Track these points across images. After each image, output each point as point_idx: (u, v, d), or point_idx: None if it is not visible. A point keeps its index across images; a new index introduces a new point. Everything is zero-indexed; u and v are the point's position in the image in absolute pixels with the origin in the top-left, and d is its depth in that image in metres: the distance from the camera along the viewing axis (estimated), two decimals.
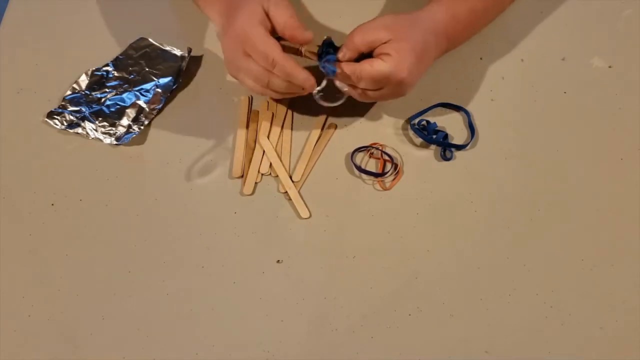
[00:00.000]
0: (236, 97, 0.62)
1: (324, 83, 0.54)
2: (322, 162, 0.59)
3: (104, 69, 0.64)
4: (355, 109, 0.61)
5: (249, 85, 0.54)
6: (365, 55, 0.52)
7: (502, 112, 0.61)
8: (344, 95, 0.55)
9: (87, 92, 0.63)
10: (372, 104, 0.61)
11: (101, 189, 0.58)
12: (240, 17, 0.52)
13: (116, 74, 0.64)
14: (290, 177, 0.58)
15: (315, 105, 0.61)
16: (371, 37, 0.51)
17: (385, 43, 0.51)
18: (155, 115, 0.61)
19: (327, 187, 0.57)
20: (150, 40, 0.65)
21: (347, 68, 0.51)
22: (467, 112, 0.60)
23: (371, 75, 0.51)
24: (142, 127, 0.60)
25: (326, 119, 0.61)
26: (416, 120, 0.60)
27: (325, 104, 0.55)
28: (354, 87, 0.53)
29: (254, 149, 0.59)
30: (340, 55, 0.52)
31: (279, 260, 0.54)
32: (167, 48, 0.64)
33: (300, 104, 0.62)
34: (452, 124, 0.60)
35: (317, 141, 0.60)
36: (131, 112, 0.61)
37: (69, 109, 0.62)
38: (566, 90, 0.62)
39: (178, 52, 0.64)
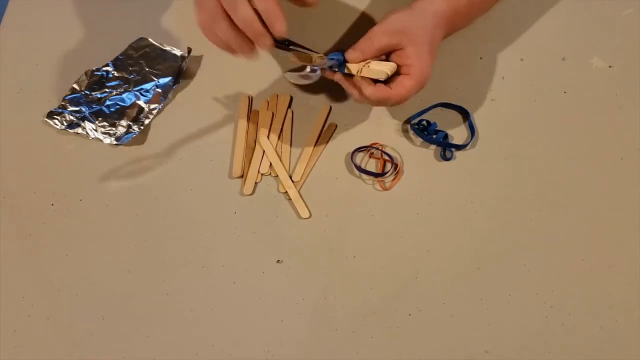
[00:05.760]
0: (236, 97, 0.62)
1: (307, 69, 0.51)
2: (322, 162, 0.59)
3: (104, 69, 0.64)
4: (355, 109, 0.61)
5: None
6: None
7: (502, 112, 0.61)
8: (315, 77, 0.52)
9: (87, 92, 0.63)
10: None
11: (101, 189, 0.58)
12: None
13: (116, 74, 0.64)
14: (290, 177, 0.57)
15: (315, 106, 0.61)
16: (381, 44, 0.51)
17: (401, 49, 0.51)
18: (155, 115, 0.61)
19: (327, 187, 0.57)
20: (150, 40, 0.65)
21: (379, 93, 0.50)
22: (467, 112, 0.60)
23: (406, 96, 0.51)
24: (142, 127, 0.60)
25: (326, 119, 0.61)
26: (416, 120, 0.60)
27: (295, 81, 0.52)
28: (353, 87, 0.53)
29: (254, 149, 0.59)
30: (349, 56, 0.51)
31: (279, 260, 0.54)
32: (167, 48, 0.64)
33: (300, 104, 0.62)
34: (452, 124, 0.60)
35: (317, 141, 0.60)
36: (131, 112, 0.61)
37: (69, 109, 0.61)
38: (566, 90, 0.62)
39: (178, 52, 0.64)
